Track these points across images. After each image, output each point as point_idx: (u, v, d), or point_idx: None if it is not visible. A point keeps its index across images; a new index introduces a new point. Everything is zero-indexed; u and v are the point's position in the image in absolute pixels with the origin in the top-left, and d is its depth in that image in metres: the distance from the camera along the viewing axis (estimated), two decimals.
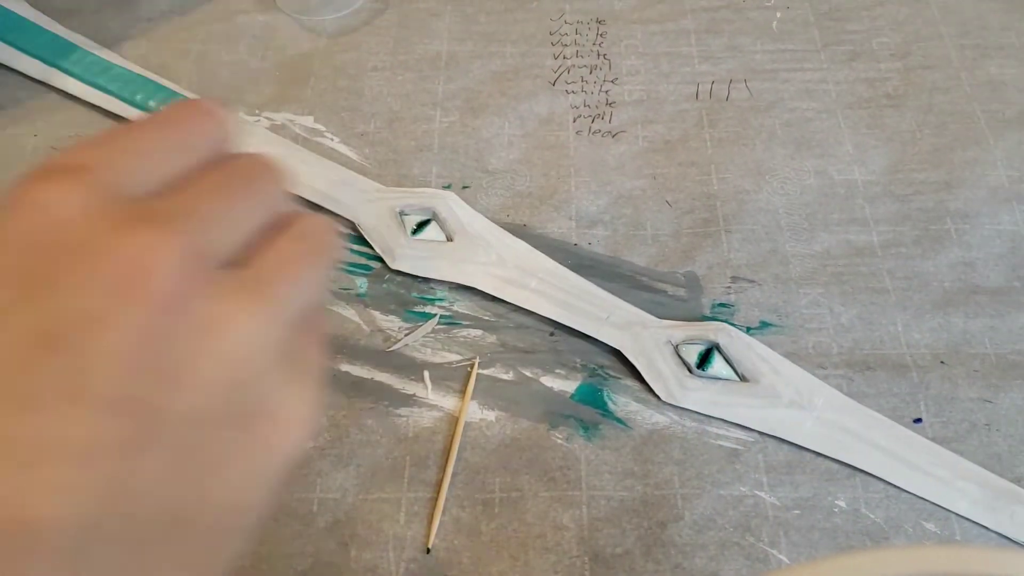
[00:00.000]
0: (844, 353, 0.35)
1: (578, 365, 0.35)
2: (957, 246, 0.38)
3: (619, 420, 0.33)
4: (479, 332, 0.36)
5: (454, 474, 0.32)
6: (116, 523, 0.16)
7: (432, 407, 0.34)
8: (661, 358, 0.34)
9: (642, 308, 0.36)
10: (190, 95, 0.42)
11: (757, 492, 0.31)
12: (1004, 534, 0.30)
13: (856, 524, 0.31)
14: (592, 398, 0.34)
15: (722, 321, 0.36)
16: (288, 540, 0.31)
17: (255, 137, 0.42)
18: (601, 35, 0.47)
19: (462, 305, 0.36)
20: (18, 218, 0.17)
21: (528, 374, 0.34)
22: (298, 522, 0.31)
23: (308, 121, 0.43)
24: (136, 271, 0.16)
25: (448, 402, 0.34)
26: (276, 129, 0.42)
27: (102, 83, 0.43)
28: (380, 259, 0.37)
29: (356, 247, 0.38)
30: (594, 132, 0.43)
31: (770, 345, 0.35)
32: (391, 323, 0.36)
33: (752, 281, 0.37)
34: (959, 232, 0.38)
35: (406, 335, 0.35)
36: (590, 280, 0.37)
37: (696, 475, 0.32)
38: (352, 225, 0.38)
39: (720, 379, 0.34)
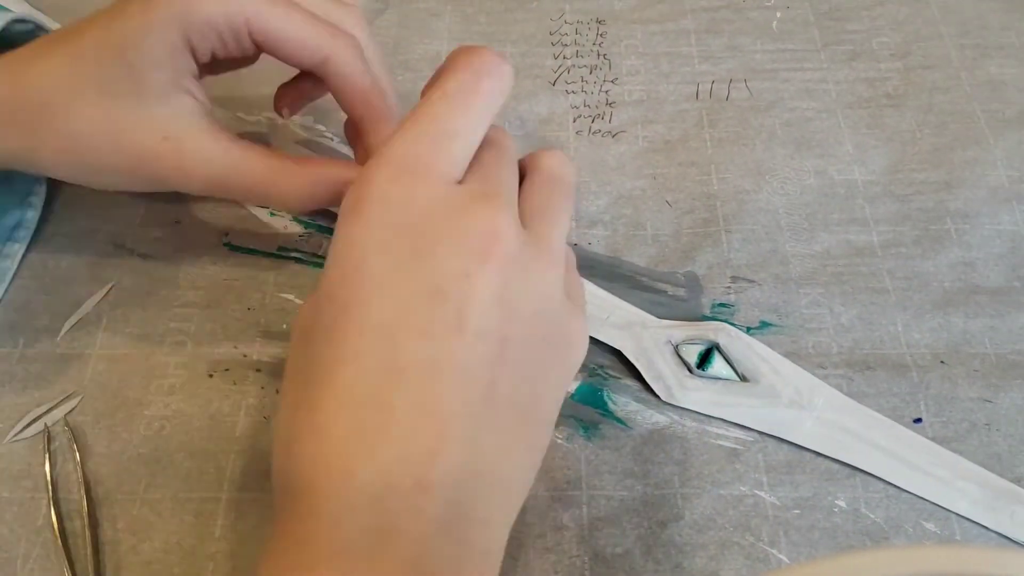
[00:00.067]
0: (844, 353, 0.35)
1: None
2: (957, 246, 0.38)
3: (619, 420, 0.33)
4: None
5: None
6: (488, 418, 0.22)
7: None
8: (661, 358, 0.34)
9: (642, 308, 0.36)
10: None
11: (757, 492, 0.31)
12: (1004, 534, 0.30)
13: (856, 524, 0.31)
14: (592, 398, 0.34)
15: (722, 321, 0.36)
16: None
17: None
18: (601, 35, 0.47)
19: None
20: (386, 207, 0.23)
21: None
22: None
23: (308, 121, 0.43)
24: (488, 239, 0.23)
25: None
26: (276, 129, 0.42)
27: None
28: None
29: None
30: (594, 132, 0.43)
31: (770, 345, 0.35)
32: None
33: (752, 281, 0.37)
34: (959, 232, 0.38)
35: None
36: (590, 280, 0.37)
37: (696, 475, 0.32)
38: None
39: (720, 379, 0.34)
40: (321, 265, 0.37)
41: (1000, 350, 0.35)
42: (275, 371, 0.35)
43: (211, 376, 0.34)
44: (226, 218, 0.39)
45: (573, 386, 0.34)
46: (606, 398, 0.34)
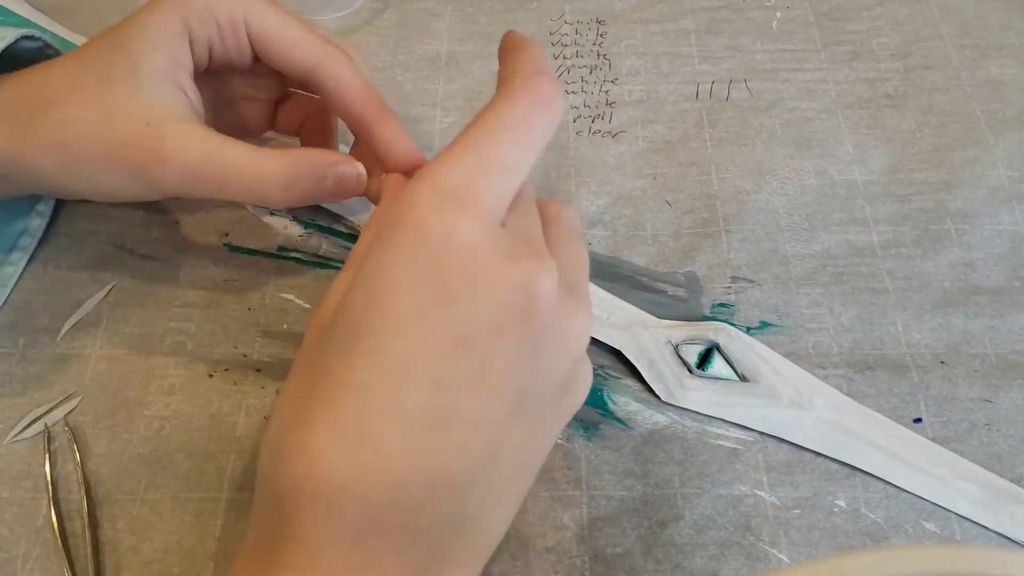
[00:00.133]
0: (844, 353, 0.35)
1: None
2: (957, 246, 0.38)
3: (619, 420, 0.33)
4: None
5: None
6: (485, 473, 0.22)
7: None
8: (661, 358, 0.34)
9: (642, 308, 0.36)
10: None
11: (757, 492, 0.31)
12: (1004, 534, 0.30)
13: (856, 524, 0.31)
14: (592, 398, 0.34)
15: (722, 321, 0.36)
16: None
17: None
18: (601, 35, 0.47)
19: None
20: (424, 237, 0.21)
21: None
22: None
23: None
24: (529, 296, 0.21)
25: None
26: None
27: None
28: None
29: None
30: (594, 132, 0.43)
31: (770, 345, 0.35)
32: None
33: (752, 281, 0.37)
34: (959, 232, 0.38)
35: None
36: (590, 280, 0.36)
37: (696, 475, 0.32)
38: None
39: (720, 379, 0.34)
40: (321, 265, 0.38)
41: (1000, 350, 0.35)
42: (275, 371, 0.35)
43: (211, 376, 0.34)
44: (226, 218, 0.39)
45: None
46: (606, 398, 0.34)
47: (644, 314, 0.36)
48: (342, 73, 0.32)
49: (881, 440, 0.32)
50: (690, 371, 0.34)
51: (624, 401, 0.34)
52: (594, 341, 0.35)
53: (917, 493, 0.31)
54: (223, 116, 0.35)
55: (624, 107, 0.44)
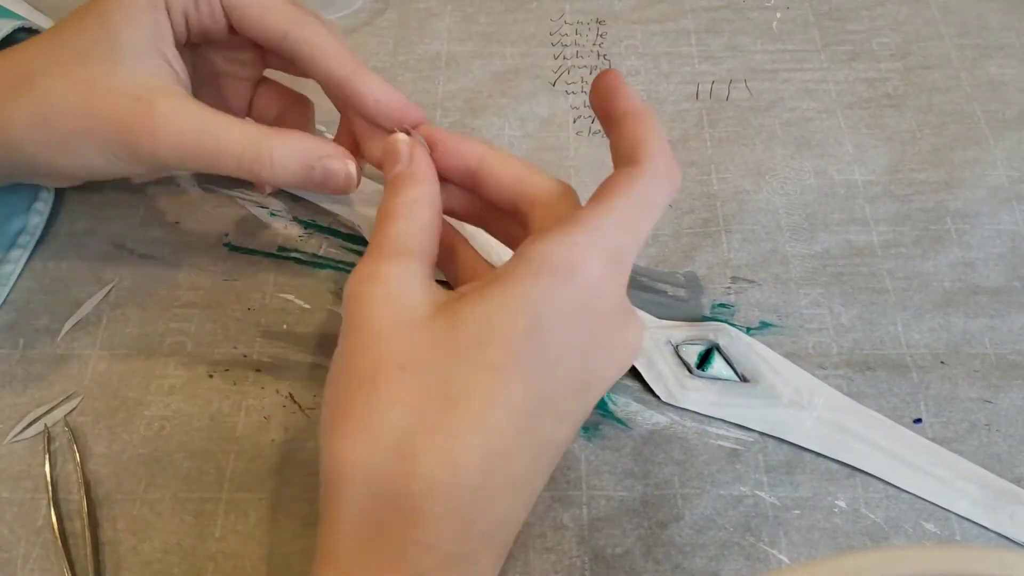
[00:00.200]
0: (844, 353, 0.35)
1: None
2: (957, 246, 0.38)
3: (619, 420, 0.33)
4: None
5: None
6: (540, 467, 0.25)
7: None
8: (661, 358, 0.34)
9: (642, 308, 0.36)
10: None
11: (757, 492, 0.31)
12: (1004, 534, 0.30)
13: (856, 524, 0.31)
14: None
15: (722, 321, 0.36)
16: None
17: None
18: (601, 35, 0.47)
19: None
20: (581, 288, 0.24)
21: None
22: None
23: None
24: (633, 355, 0.26)
25: None
26: None
27: None
28: None
29: None
30: (594, 133, 0.43)
31: (770, 345, 0.35)
32: None
33: (752, 281, 0.37)
34: (959, 232, 0.38)
35: None
36: None
37: (696, 475, 0.32)
38: None
39: (720, 379, 0.34)
40: (321, 266, 0.37)
41: (1000, 350, 0.35)
42: (275, 371, 0.35)
43: (211, 376, 0.34)
44: (226, 218, 0.39)
45: None
46: (606, 398, 0.34)
47: (644, 314, 0.36)
48: (315, 36, 0.31)
49: (881, 440, 0.32)
50: (690, 371, 0.34)
51: (624, 401, 0.34)
52: None
53: (917, 493, 0.31)
54: (205, 95, 0.35)
55: None
